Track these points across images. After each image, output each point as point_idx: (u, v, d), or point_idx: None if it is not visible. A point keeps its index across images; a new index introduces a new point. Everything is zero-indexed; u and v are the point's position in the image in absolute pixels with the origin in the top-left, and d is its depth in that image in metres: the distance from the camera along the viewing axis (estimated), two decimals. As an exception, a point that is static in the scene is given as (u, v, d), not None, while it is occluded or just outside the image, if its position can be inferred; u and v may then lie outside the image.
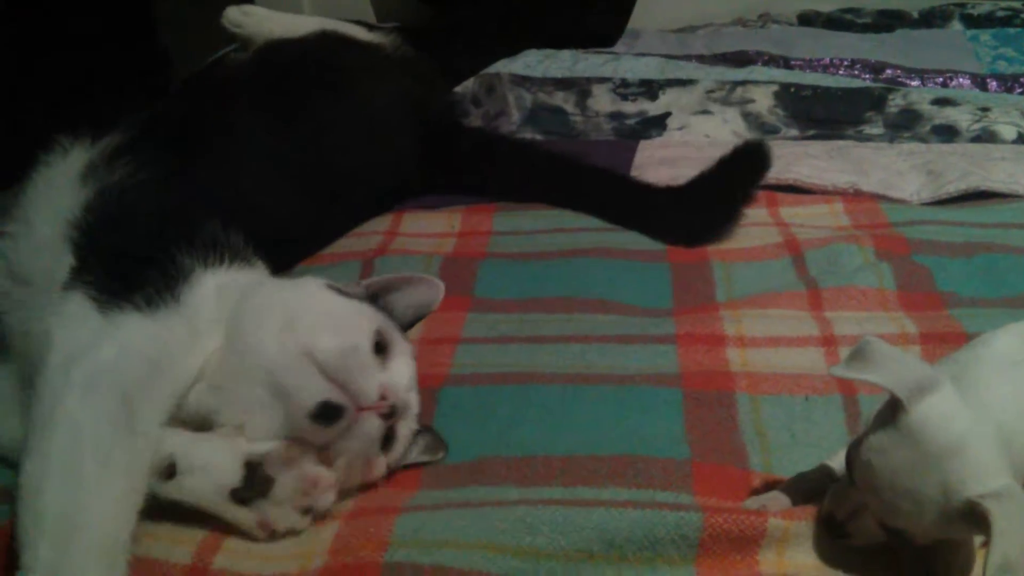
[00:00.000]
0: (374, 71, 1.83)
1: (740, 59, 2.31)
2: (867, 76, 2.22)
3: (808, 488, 1.02)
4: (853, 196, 1.69)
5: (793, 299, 1.38)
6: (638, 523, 0.95)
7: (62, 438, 0.95)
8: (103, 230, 1.19)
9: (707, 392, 1.22)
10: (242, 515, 0.99)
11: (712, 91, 2.09)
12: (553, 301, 1.44)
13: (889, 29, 2.56)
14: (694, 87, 2.10)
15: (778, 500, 1.02)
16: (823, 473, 1.03)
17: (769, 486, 1.05)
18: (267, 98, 1.62)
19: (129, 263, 1.12)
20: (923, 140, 1.92)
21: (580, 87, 2.15)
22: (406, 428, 1.10)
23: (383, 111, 1.76)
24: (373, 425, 1.03)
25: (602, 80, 2.16)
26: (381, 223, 1.70)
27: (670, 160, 1.85)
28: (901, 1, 2.69)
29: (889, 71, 2.23)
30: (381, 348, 1.09)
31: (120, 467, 0.96)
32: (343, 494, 1.05)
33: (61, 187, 1.28)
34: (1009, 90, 2.17)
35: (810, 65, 2.26)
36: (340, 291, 1.17)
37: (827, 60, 2.28)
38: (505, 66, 2.23)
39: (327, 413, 1.00)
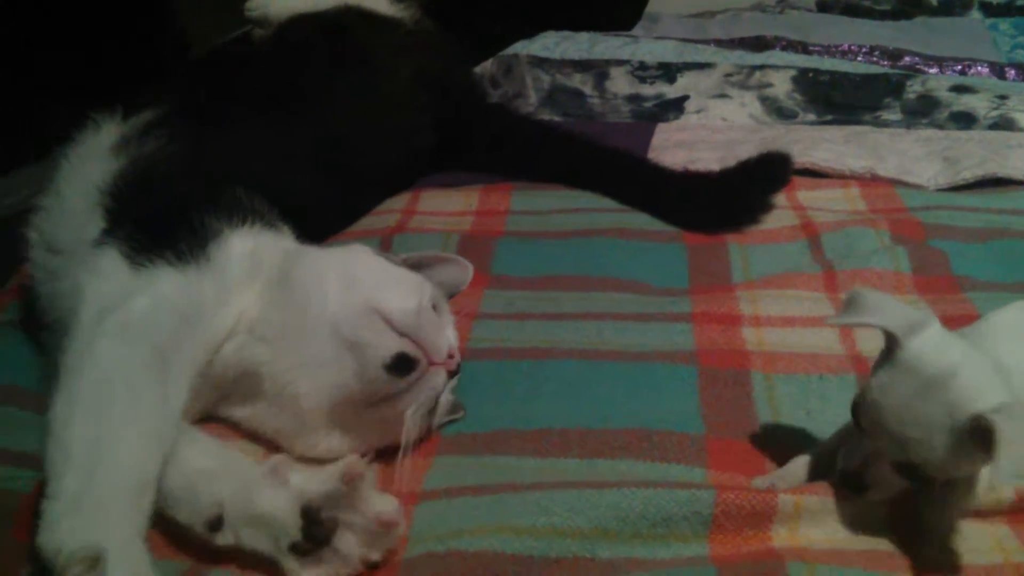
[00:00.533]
0: (395, 45, 1.84)
1: (758, 44, 2.31)
2: (885, 63, 2.22)
3: (823, 461, 1.03)
4: (869, 181, 1.70)
5: (809, 280, 1.39)
6: (651, 501, 0.97)
7: (93, 377, 0.96)
8: (135, 194, 1.21)
9: (722, 370, 1.23)
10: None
11: (730, 75, 2.09)
12: (570, 279, 1.46)
13: (908, 16, 2.56)
14: (712, 70, 2.11)
15: (789, 477, 1.03)
16: (836, 442, 1.04)
17: (783, 462, 1.06)
18: (289, 72, 1.64)
19: (160, 223, 1.14)
20: (940, 127, 1.92)
21: (598, 69, 2.15)
22: (448, 392, 1.13)
23: (403, 85, 1.77)
24: (440, 379, 1.08)
25: (620, 62, 2.16)
26: (399, 201, 1.71)
27: (687, 143, 1.86)
28: (920, -12, 2.69)
29: (907, 58, 2.23)
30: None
31: (149, 409, 0.96)
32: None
33: (94, 160, 1.30)
34: (1028, 79, 2.17)
35: (828, 51, 2.27)
36: (387, 259, 1.20)
37: (845, 46, 2.28)
38: (523, 47, 2.23)
39: (402, 365, 1.04)
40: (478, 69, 2.18)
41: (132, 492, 0.91)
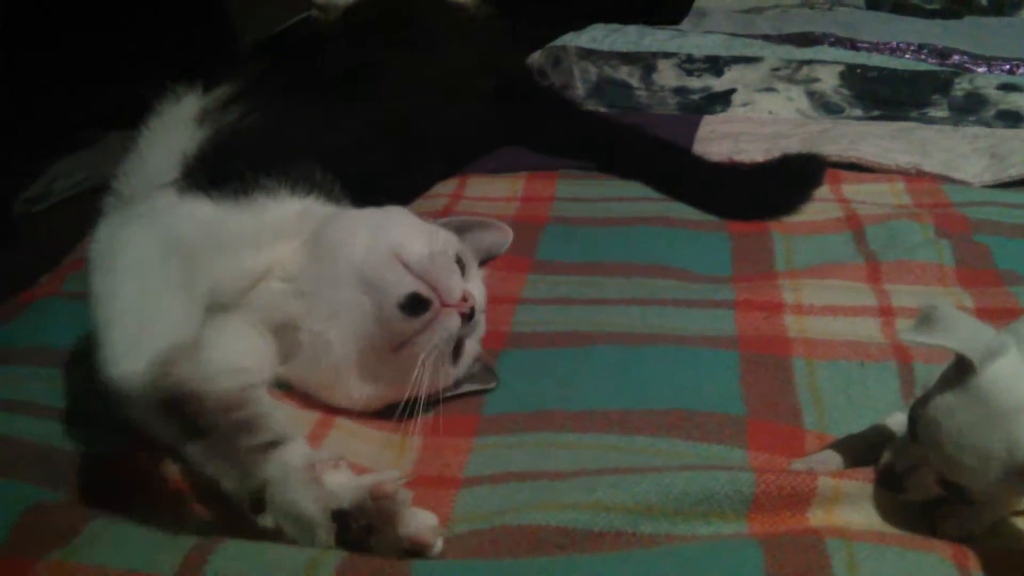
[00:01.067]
0: (458, 29, 1.89)
1: (806, 40, 2.32)
2: (934, 61, 2.22)
3: (862, 447, 1.04)
4: (915, 176, 1.70)
5: (853, 271, 1.40)
6: (694, 480, 0.97)
7: (130, 254, 1.02)
8: (213, 155, 1.28)
9: (763, 356, 1.24)
10: None
11: (777, 69, 2.10)
12: (613, 266, 1.47)
13: (957, 16, 2.55)
14: (759, 64, 2.11)
15: (828, 461, 1.04)
16: (878, 433, 1.05)
17: (822, 445, 1.08)
18: (357, 54, 1.70)
19: (220, 173, 1.19)
20: (987, 124, 1.91)
21: (645, 62, 2.17)
22: (472, 345, 1.19)
23: (465, 68, 1.81)
24: (454, 322, 1.11)
25: (667, 55, 2.18)
26: (447, 186, 1.74)
27: (733, 135, 1.87)
28: (970, -12, 2.67)
29: (956, 57, 2.23)
30: (459, 266, 1.18)
31: (179, 286, 1.01)
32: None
33: (177, 128, 1.37)
34: (1077, 79, 2.15)
35: (876, 48, 2.27)
36: (420, 219, 1.25)
37: (894, 44, 2.28)
38: (572, 40, 2.25)
39: (415, 304, 1.09)
40: (527, 60, 2.20)
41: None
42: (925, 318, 0.92)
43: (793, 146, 1.78)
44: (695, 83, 2.10)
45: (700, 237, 1.55)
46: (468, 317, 1.13)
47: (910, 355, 1.20)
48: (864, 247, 1.47)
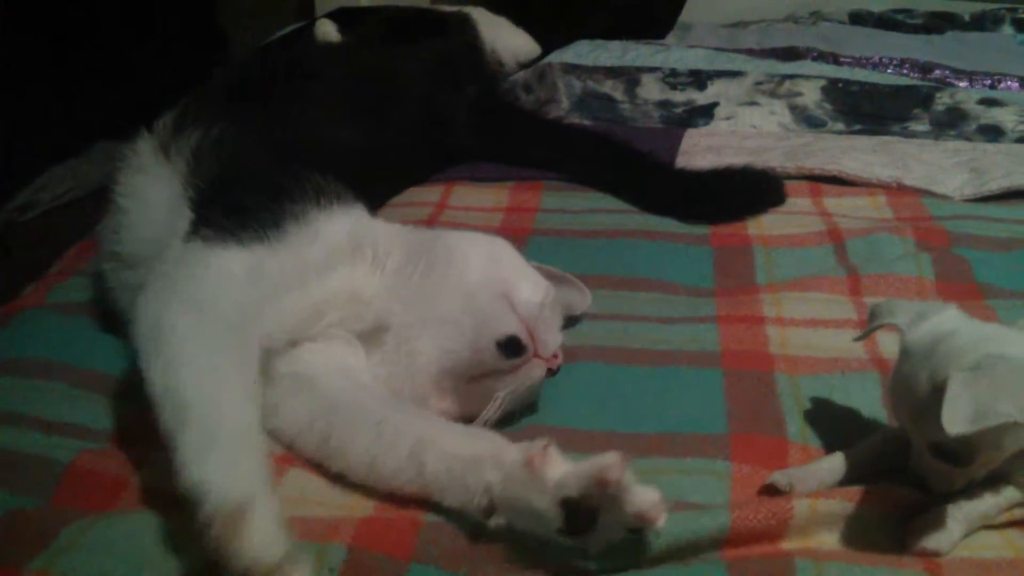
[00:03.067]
0: (433, 45, 1.92)
1: (790, 54, 2.34)
2: (916, 75, 2.24)
3: (849, 468, 1.03)
4: (896, 190, 1.72)
5: (833, 284, 1.41)
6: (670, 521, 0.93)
7: (179, 341, 1.01)
8: (211, 188, 1.25)
9: (746, 371, 1.25)
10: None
11: (760, 83, 2.11)
12: (597, 279, 1.47)
13: (940, 31, 2.58)
14: (743, 79, 2.13)
15: (808, 478, 1.02)
16: (864, 455, 1.05)
17: (806, 457, 1.08)
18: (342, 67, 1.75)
19: (236, 209, 1.18)
20: (968, 139, 1.93)
21: (629, 76, 2.18)
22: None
23: (439, 77, 1.88)
24: (539, 372, 1.14)
25: (652, 69, 2.19)
26: (431, 194, 1.75)
27: (716, 148, 1.88)
28: (953, 4, 2.70)
29: (938, 71, 2.25)
30: None
31: (232, 364, 1.02)
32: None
33: (148, 170, 1.34)
34: (1057, 95, 2.18)
35: (859, 63, 2.29)
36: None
37: (876, 58, 2.30)
38: (557, 56, 2.26)
39: (512, 346, 1.11)
40: (512, 76, 2.22)
41: (246, 438, 0.96)
42: (872, 312, 1.02)
43: (775, 159, 1.79)
44: (679, 97, 2.12)
45: (682, 250, 1.56)
46: (553, 372, 1.15)
47: (890, 366, 1.20)
48: (845, 260, 1.48)
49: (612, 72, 2.19)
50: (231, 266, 1.12)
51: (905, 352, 0.97)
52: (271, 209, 1.17)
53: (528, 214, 1.68)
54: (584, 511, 0.90)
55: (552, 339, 1.16)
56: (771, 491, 1.01)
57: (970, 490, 0.96)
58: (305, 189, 1.21)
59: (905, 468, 1.00)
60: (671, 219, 1.66)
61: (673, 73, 2.17)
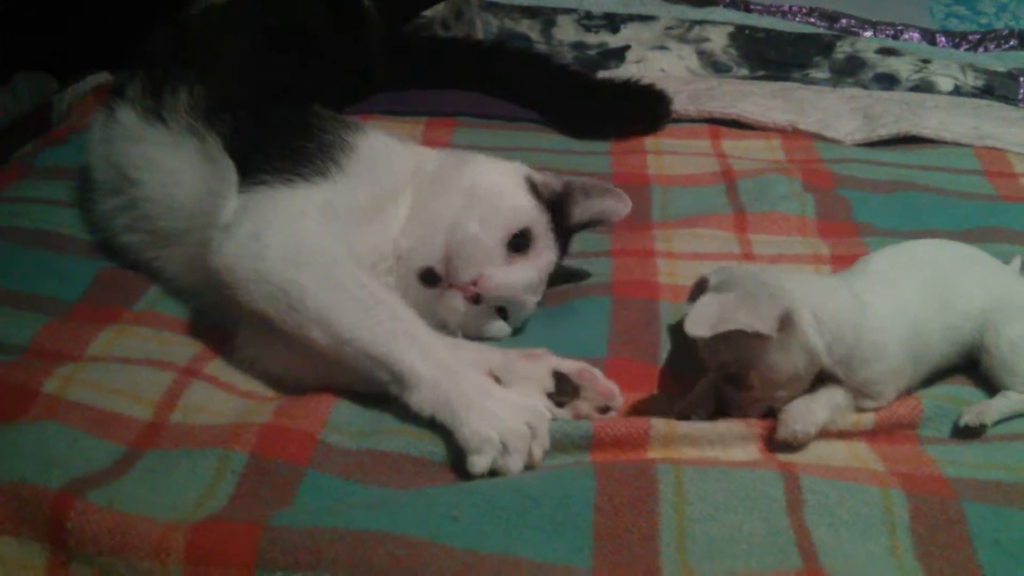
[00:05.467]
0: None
1: (702, 0, 2.40)
2: (822, 24, 2.32)
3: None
4: (791, 133, 1.80)
5: (721, 221, 1.50)
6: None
7: (354, 297, 1.10)
8: (247, 136, 1.28)
9: (633, 299, 1.32)
10: (559, 412, 1.11)
11: (671, 28, 2.18)
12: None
13: (850, -20, 2.65)
14: (654, 23, 2.20)
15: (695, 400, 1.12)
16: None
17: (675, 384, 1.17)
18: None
19: (282, 150, 1.24)
20: (864, 86, 2.02)
21: (545, 16, 2.23)
22: (518, 315, 1.27)
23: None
24: (457, 300, 1.21)
25: (567, 11, 2.25)
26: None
27: (624, 91, 1.95)
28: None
29: (844, 20, 2.33)
30: (521, 246, 1.26)
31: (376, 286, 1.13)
32: None
33: (141, 135, 1.35)
34: (956, 46, 2.28)
35: (768, 10, 2.36)
36: (534, 182, 1.33)
37: (786, 7, 2.37)
38: (476, -8, 2.30)
39: (426, 277, 1.21)
40: (429, 12, 2.25)
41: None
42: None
43: (679, 103, 1.86)
44: (592, 39, 2.18)
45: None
46: (474, 300, 1.21)
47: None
48: (735, 199, 1.56)
49: (529, 12, 2.25)
50: (304, 204, 1.18)
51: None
52: (315, 142, 1.24)
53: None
54: (569, 384, 1.11)
55: (472, 269, 1.20)
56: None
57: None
58: (325, 117, 1.29)
59: None
60: (579, 158, 1.74)
61: (588, 15, 2.23)
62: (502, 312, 1.26)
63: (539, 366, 1.13)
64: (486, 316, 1.24)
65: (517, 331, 1.28)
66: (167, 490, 0.96)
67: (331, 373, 1.12)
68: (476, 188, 1.27)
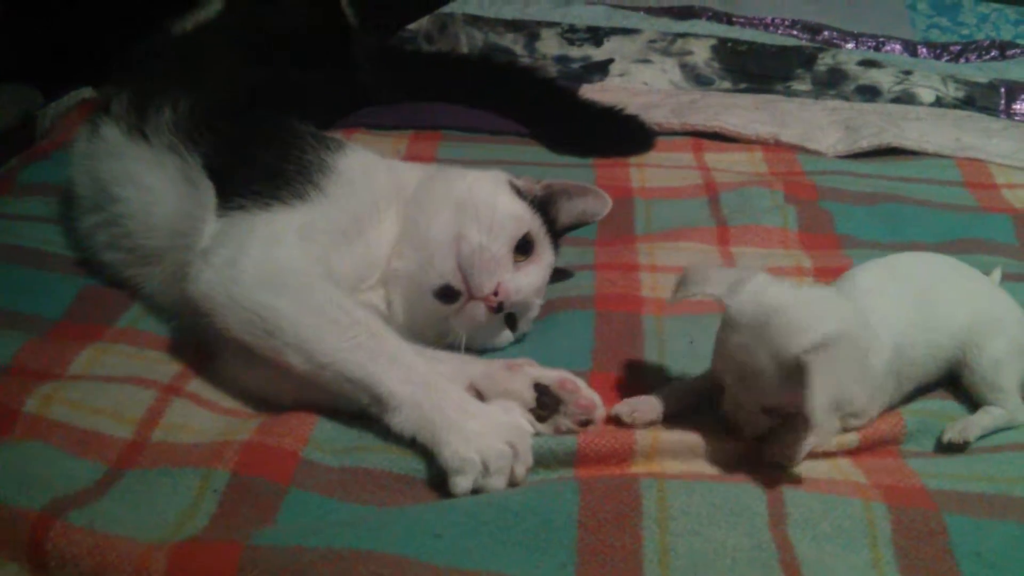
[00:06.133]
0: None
1: (686, 13, 2.41)
2: (805, 36, 2.33)
3: (688, 391, 1.14)
4: (773, 146, 1.81)
5: (704, 234, 1.50)
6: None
7: (287, 321, 1.09)
8: (228, 156, 1.28)
9: (617, 312, 1.33)
10: (540, 428, 1.10)
11: (654, 41, 2.19)
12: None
13: (831, -8, 2.66)
14: (637, 36, 2.21)
15: (643, 407, 1.11)
16: (704, 379, 1.14)
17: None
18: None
19: (264, 172, 1.24)
20: (846, 98, 2.03)
21: (530, 30, 2.24)
22: (527, 319, 1.29)
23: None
24: (479, 311, 1.21)
25: (551, 24, 2.26)
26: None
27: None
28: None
29: (826, 32, 2.35)
30: (526, 249, 1.27)
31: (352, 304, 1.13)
32: None
33: (128, 151, 1.34)
34: (938, 57, 2.29)
35: (751, 23, 2.37)
36: (517, 188, 1.34)
37: (768, 19, 2.39)
38: (459, 7, 2.31)
39: (446, 293, 1.20)
40: (413, 25, 2.26)
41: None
42: (682, 279, 1.06)
43: (662, 115, 1.87)
44: (576, 52, 2.19)
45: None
46: (496, 309, 1.21)
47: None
48: (717, 212, 1.57)
49: (512, 25, 2.25)
50: (281, 228, 1.17)
51: (731, 322, 1.01)
52: (294, 163, 1.23)
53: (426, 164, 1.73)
54: (551, 396, 1.10)
55: (491, 279, 1.20)
56: (616, 422, 1.10)
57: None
58: (305, 137, 1.28)
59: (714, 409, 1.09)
60: (567, 170, 1.73)
61: (572, 29, 2.24)
62: (510, 320, 1.27)
63: (520, 377, 1.12)
64: (499, 325, 1.26)
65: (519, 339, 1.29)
66: (148, 510, 0.95)
67: (313, 392, 1.11)
68: (471, 200, 1.26)
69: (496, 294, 1.21)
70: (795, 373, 0.95)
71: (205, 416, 1.11)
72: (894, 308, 1.12)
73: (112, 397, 1.11)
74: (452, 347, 1.21)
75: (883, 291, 1.14)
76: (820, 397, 0.93)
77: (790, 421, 1.03)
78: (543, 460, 1.04)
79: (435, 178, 1.34)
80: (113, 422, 1.08)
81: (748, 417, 1.04)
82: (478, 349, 1.23)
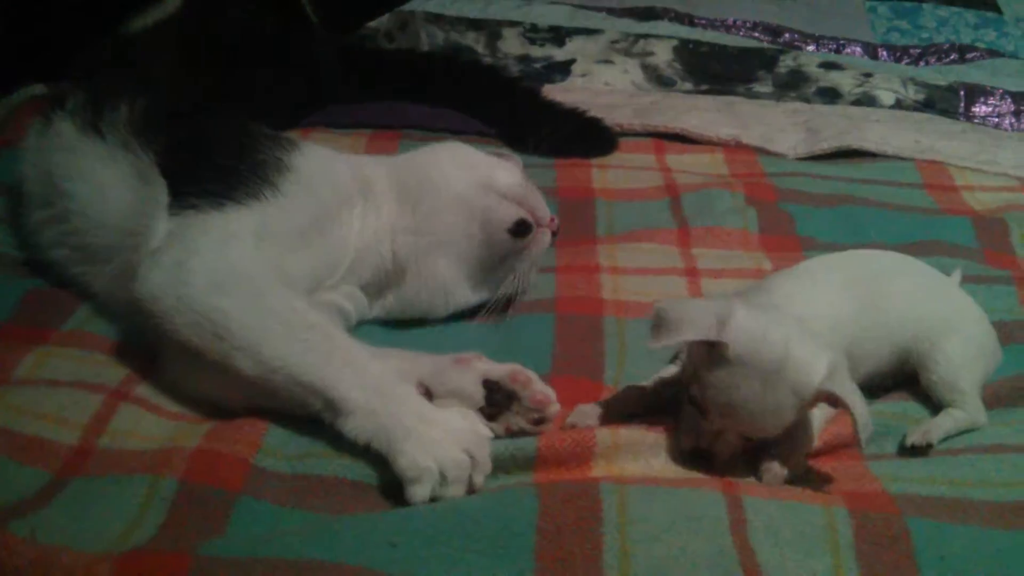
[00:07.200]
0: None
1: (648, 14, 2.40)
2: (766, 38, 2.33)
3: (641, 395, 1.13)
4: (734, 147, 1.80)
5: (665, 235, 1.49)
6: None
7: (236, 324, 1.05)
8: (184, 156, 1.24)
9: (578, 315, 1.31)
10: (491, 427, 1.09)
11: (616, 42, 2.18)
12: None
13: (793, -6, 2.67)
14: (599, 37, 2.20)
15: (590, 413, 1.10)
16: (657, 383, 1.13)
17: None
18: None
19: (220, 171, 1.21)
20: (807, 100, 2.03)
21: (491, 29, 2.22)
22: None
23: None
24: (547, 238, 1.31)
25: (513, 24, 2.24)
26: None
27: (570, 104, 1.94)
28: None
29: (787, 35, 2.35)
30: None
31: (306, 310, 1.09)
32: None
33: (80, 150, 1.31)
34: (898, 60, 2.30)
35: (713, 24, 2.36)
36: None
37: (730, 20, 2.38)
38: (420, 4, 2.29)
39: (521, 229, 1.28)
40: (374, 23, 2.24)
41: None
42: (658, 320, 1.02)
43: (624, 117, 1.86)
44: (538, 52, 2.18)
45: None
46: (555, 234, 1.31)
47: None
48: (678, 213, 1.56)
49: (474, 24, 2.24)
50: (234, 228, 1.14)
51: (736, 362, 0.98)
52: (247, 162, 1.20)
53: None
54: (501, 393, 1.09)
55: (544, 206, 1.31)
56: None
57: None
58: (259, 136, 1.27)
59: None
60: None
61: (534, 28, 2.23)
62: None
63: (469, 373, 1.11)
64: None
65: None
66: (93, 519, 0.92)
67: (264, 397, 1.08)
68: (463, 157, 1.34)
69: (552, 219, 1.30)
70: (823, 399, 1.00)
71: (153, 421, 1.08)
72: (838, 294, 1.14)
73: (57, 402, 1.07)
74: (509, 300, 1.28)
75: (826, 280, 1.16)
76: (862, 412, 0.98)
77: (775, 442, 1.03)
78: (502, 464, 1.02)
79: (411, 158, 1.37)
80: (58, 427, 1.04)
81: (725, 445, 1.03)
82: (519, 293, 1.28)
